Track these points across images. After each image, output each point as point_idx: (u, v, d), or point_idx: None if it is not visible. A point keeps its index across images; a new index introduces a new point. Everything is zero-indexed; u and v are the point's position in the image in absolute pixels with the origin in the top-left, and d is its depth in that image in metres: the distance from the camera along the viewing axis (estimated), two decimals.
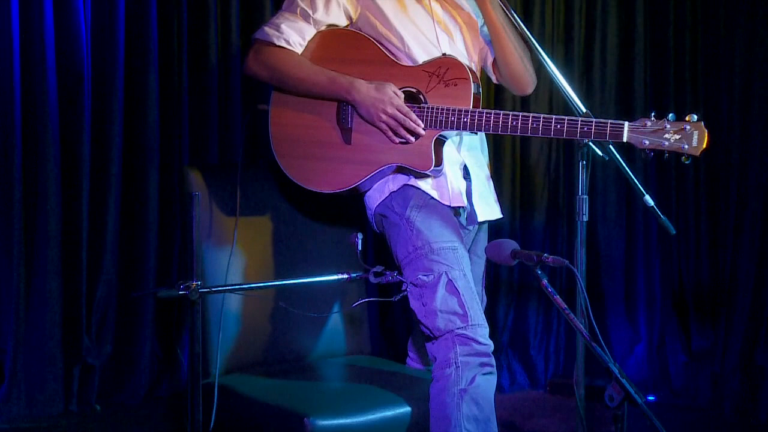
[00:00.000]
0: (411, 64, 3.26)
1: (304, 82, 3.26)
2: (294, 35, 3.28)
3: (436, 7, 3.38)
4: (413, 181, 3.26)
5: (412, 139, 3.19)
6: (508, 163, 4.46)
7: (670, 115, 3.01)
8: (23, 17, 3.69)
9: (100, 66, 3.82)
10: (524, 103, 4.41)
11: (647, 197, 3.12)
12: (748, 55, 4.39)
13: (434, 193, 3.27)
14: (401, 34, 3.30)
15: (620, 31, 4.52)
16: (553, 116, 3.07)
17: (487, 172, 3.45)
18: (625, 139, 3.02)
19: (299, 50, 3.29)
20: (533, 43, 3.21)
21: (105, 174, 3.84)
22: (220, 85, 4.00)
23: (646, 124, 3.02)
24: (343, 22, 3.34)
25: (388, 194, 3.27)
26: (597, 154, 3.13)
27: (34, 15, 3.69)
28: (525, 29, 3.23)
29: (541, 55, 3.19)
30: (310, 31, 3.30)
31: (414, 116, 3.17)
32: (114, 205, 3.85)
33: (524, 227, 4.55)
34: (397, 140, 3.20)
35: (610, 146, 3.13)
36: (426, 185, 3.26)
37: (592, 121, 3.04)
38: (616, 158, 3.13)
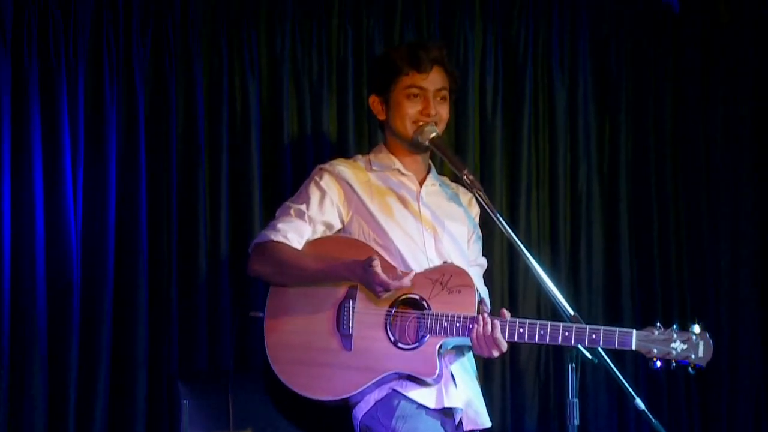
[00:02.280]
0: (404, 269, 3.29)
1: (309, 269, 3.27)
2: (291, 232, 3.32)
3: (426, 213, 3.44)
4: (400, 387, 3.23)
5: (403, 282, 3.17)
6: (498, 367, 4.43)
7: (675, 325, 3.10)
8: (14, 224, 3.72)
9: (90, 274, 3.83)
10: (512, 302, 4.41)
11: (638, 401, 3.11)
12: (734, 257, 4.45)
13: (425, 399, 3.23)
14: (391, 239, 3.34)
15: (605, 233, 4.58)
16: (561, 324, 3.13)
17: (474, 380, 3.43)
18: (633, 347, 3.09)
19: (298, 246, 3.32)
20: (519, 247, 3.25)
21: (92, 382, 3.79)
22: (209, 291, 4.01)
23: (653, 332, 3.08)
24: (336, 222, 3.39)
25: (373, 404, 3.24)
26: (586, 357, 3.13)
27: (25, 223, 3.73)
28: (511, 232, 3.27)
29: (528, 259, 3.23)
30: (307, 229, 3.34)
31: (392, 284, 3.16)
32: (101, 415, 3.79)
33: None
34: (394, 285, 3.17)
35: (599, 349, 3.13)
36: (415, 392, 3.23)
37: (600, 329, 3.09)
38: (606, 361, 3.13)
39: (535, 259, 3.25)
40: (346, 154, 4.14)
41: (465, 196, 3.64)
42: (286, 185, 4.09)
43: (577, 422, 3.07)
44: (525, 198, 4.44)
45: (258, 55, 4.15)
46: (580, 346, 3.12)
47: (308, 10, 4.21)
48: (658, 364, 3.12)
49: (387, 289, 3.18)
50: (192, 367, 3.93)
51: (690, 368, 3.12)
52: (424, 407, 3.24)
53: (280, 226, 3.35)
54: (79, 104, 3.84)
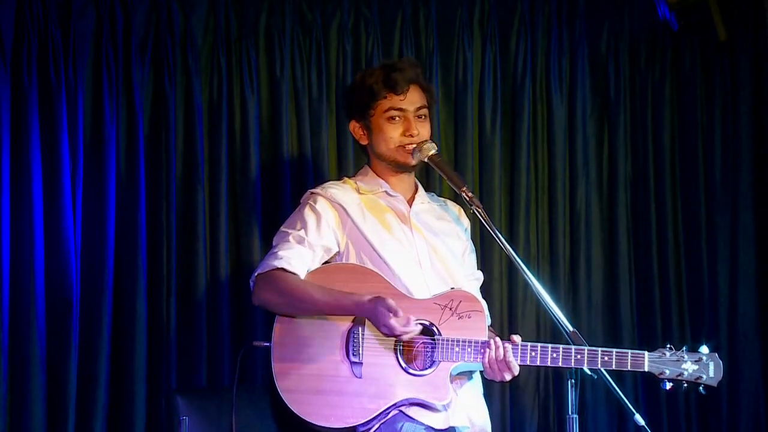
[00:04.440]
0: (402, 290, 3.29)
1: (317, 302, 3.24)
2: (295, 259, 3.30)
3: (418, 232, 3.44)
4: (405, 409, 3.22)
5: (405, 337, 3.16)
6: (498, 384, 4.41)
7: (685, 347, 3.16)
8: (14, 241, 3.73)
9: (89, 291, 3.85)
10: (511, 318, 4.41)
11: (637, 416, 3.11)
12: (732, 275, 4.45)
13: (432, 420, 3.22)
14: (387, 260, 3.34)
15: (604, 251, 4.58)
16: (573, 347, 3.14)
17: (482, 398, 3.43)
18: (646, 369, 3.14)
19: (302, 273, 3.30)
20: (518, 263, 3.26)
21: (91, 398, 3.81)
22: (209, 307, 4.02)
23: (665, 354, 3.14)
24: (333, 245, 3.38)
25: (377, 426, 3.23)
26: (586, 372, 3.13)
27: (25, 240, 3.74)
28: (510, 249, 3.28)
29: (527, 275, 3.24)
30: (309, 255, 3.33)
31: (408, 328, 3.14)
32: (100, 431, 3.81)
33: None
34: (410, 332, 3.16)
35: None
36: (421, 414, 3.22)
37: (612, 352, 3.13)
38: (605, 377, 3.14)
39: (534, 275, 3.26)
40: (345, 171, 4.15)
41: (454, 208, 3.67)
42: (286, 203, 4.10)
43: None
44: (524, 215, 4.44)
45: (257, 74, 4.17)
46: None
47: (307, 28, 4.24)
48: (669, 385, 3.17)
49: (393, 334, 3.17)
50: (191, 383, 3.94)
51: (701, 388, 3.17)
52: (431, 428, 3.25)
53: (282, 254, 3.31)
54: (79, 123, 3.86)
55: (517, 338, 3.21)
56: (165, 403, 3.76)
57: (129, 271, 3.90)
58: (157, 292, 3.96)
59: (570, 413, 3.07)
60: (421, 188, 3.63)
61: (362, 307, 3.19)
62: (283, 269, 3.28)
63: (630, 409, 3.13)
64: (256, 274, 3.34)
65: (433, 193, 3.76)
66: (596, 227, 4.57)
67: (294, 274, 3.29)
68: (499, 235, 3.30)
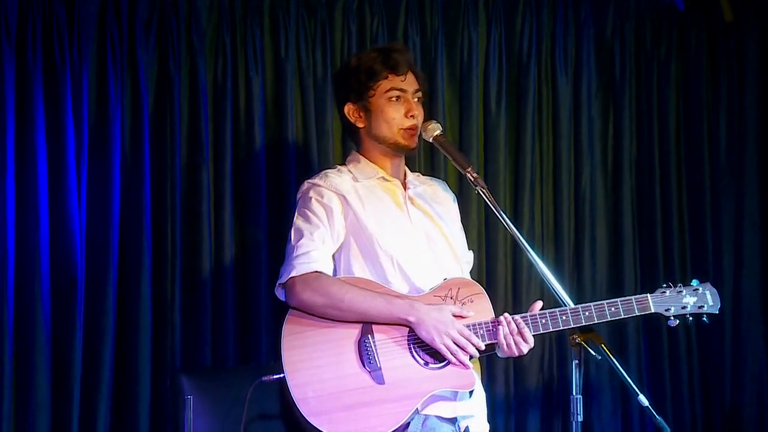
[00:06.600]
0: (402, 277, 3.30)
1: (360, 304, 3.20)
2: (325, 260, 3.28)
3: (416, 217, 3.43)
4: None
5: (467, 361, 3.20)
6: (501, 365, 4.44)
7: (679, 284, 3.26)
8: (19, 222, 3.75)
9: (93, 272, 3.86)
10: (515, 298, 4.41)
11: (641, 397, 3.11)
12: (737, 256, 4.46)
13: (440, 410, 3.23)
14: (388, 248, 3.33)
15: (609, 232, 4.58)
16: (579, 306, 3.21)
17: (481, 386, 3.44)
18: (652, 310, 3.22)
19: (330, 272, 3.30)
20: (523, 244, 3.26)
21: (96, 380, 3.83)
22: (213, 288, 4.03)
23: (665, 292, 3.23)
24: (342, 235, 3.36)
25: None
26: (590, 353, 3.14)
27: (30, 220, 3.75)
28: (515, 229, 3.28)
29: (531, 256, 3.24)
30: (331, 252, 3.32)
31: (475, 339, 3.19)
32: (105, 409, 3.82)
33: (519, 429, 4.49)
34: (455, 361, 3.19)
35: (602, 346, 3.14)
36: (429, 408, 3.22)
37: (617, 301, 3.22)
38: (608, 358, 3.13)
39: (538, 256, 3.26)
40: (349, 151, 4.15)
41: (440, 185, 3.65)
42: (290, 184, 4.10)
43: (580, 418, 3.09)
44: (528, 195, 4.44)
45: (262, 55, 4.17)
46: (583, 343, 3.13)
47: (312, 9, 4.23)
48: (675, 322, 3.25)
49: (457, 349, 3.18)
50: (196, 363, 3.95)
51: (705, 318, 3.25)
52: (441, 417, 3.25)
53: (315, 255, 3.26)
54: (83, 103, 3.87)
55: (538, 304, 3.25)
56: (170, 382, 3.78)
57: (133, 251, 3.91)
58: (161, 271, 3.96)
59: (574, 394, 3.08)
60: (408, 170, 3.59)
61: (421, 312, 3.19)
62: (321, 273, 3.25)
63: (634, 389, 3.12)
64: (291, 275, 3.25)
65: (418, 173, 3.72)
66: (601, 208, 4.57)
67: (328, 275, 3.27)
68: (504, 216, 3.30)
